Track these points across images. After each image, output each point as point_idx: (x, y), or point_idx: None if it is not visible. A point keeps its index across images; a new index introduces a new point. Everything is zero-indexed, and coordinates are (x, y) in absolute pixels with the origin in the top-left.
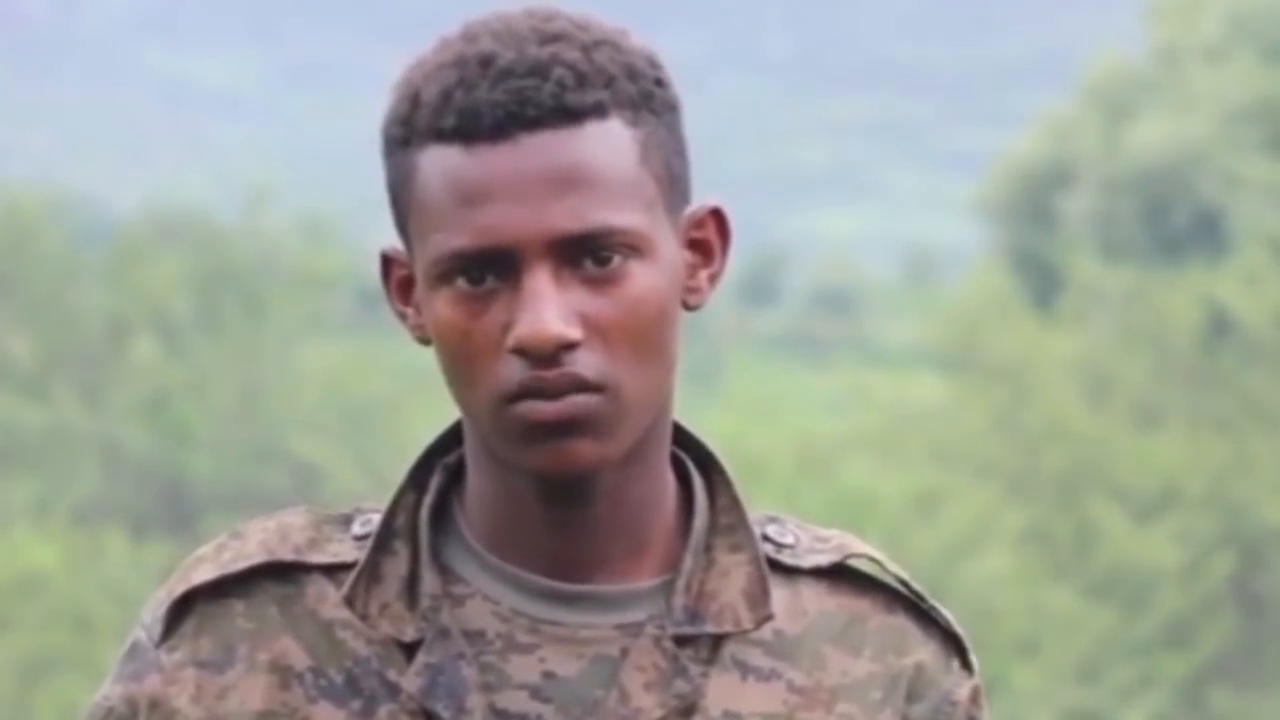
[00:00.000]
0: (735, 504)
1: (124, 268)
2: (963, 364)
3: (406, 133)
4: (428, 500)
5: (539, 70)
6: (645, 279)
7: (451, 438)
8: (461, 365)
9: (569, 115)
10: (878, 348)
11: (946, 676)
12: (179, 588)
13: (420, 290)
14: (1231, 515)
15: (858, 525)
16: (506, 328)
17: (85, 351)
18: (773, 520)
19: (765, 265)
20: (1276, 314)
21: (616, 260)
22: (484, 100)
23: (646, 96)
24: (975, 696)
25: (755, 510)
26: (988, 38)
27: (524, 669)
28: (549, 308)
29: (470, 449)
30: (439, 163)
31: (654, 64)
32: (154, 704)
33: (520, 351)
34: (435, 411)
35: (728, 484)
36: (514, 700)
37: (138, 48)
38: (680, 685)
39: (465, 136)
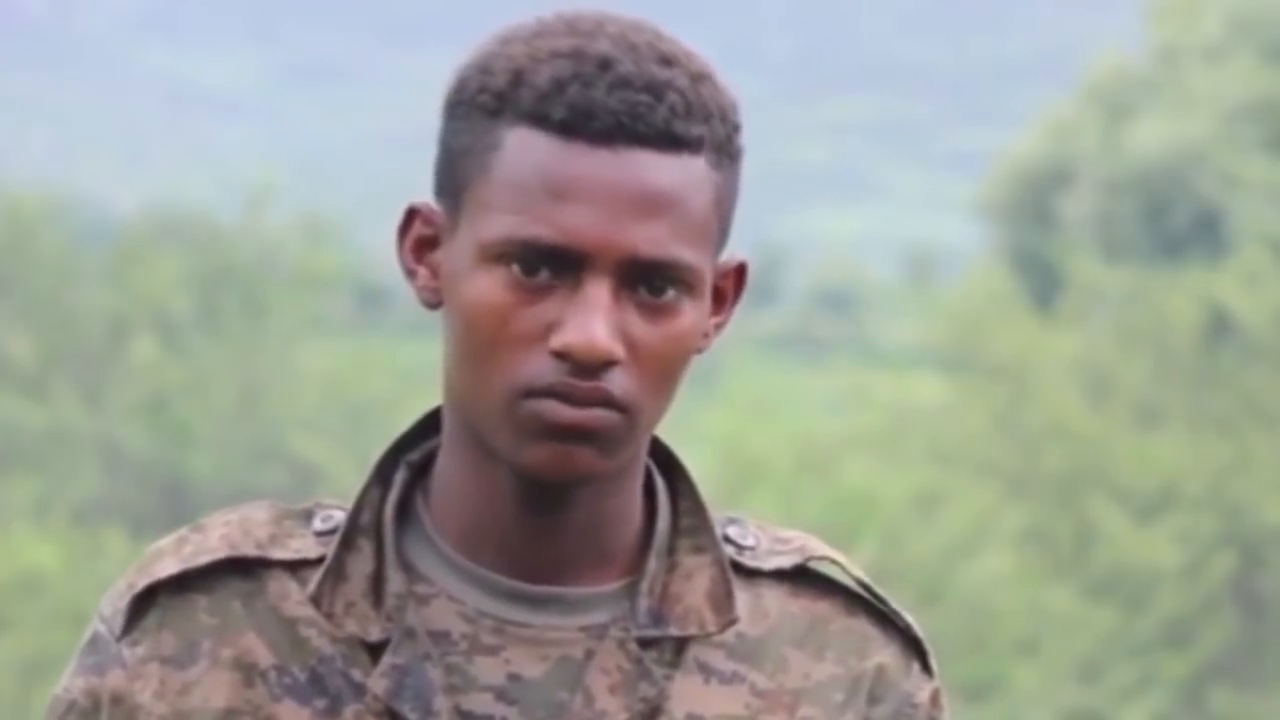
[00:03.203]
0: (698, 506)
1: (124, 268)
2: (963, 364)
3: (499, 105)
4: (392, 497)
5: (655, 89)
6: (690, 317)
7: (418, 433)
8: (488, 348)
9: (672, 142)
10: (878, 348)
11: (907, 679)
12: (140, 581)
13: (459, 261)
14: (1231, 515)
15: (858, 525)
16: (551, 326)
17: (85, 351)
18: (733, 521)
19: (765, 265)
20: (1276, 314)
21: (671, 294)
22: (599, 103)
23: (728, 141)
24: (936, 699)
25: (716, 512)
26: (988, 38)
27: (489, 670)
28: (603, 322)
29: (451, 442)
30: (531, 147)
31: (736, 109)
32: (116, 699)
33: (563, 355)
34: None
35: (690, 486)
36: (479, 702)
37: (138, 48)
38: (645, 688)
39: (568, 131)
